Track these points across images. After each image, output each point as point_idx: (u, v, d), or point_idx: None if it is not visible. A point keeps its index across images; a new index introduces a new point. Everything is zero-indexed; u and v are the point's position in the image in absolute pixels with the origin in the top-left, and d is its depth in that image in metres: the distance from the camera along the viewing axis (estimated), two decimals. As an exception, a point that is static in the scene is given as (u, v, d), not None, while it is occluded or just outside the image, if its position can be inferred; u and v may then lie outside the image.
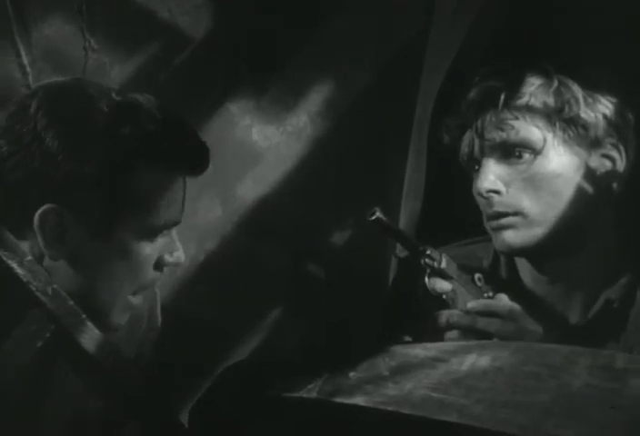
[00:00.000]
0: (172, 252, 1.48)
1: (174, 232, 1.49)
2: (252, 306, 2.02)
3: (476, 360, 1.17)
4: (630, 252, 1.75)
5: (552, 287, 1.77)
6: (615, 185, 1.73)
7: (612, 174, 1.72)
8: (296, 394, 1.19)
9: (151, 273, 1.47)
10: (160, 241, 1.46)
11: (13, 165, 1.37)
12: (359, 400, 1.15)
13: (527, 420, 1.05)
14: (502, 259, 1.84)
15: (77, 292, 1.40)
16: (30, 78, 1.82)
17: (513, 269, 1.82)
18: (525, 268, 1.81)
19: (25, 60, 1.81)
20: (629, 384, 1.05)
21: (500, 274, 1.83)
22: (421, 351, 1.22)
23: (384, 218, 1.57)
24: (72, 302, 1.31)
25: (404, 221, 2.05)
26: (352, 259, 2.08)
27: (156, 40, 1.89)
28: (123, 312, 1.47)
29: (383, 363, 1.21)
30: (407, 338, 1.82)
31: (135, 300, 1.48)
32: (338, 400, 1.18)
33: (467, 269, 1.71)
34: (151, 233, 1.44)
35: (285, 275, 2.05)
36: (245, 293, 2.01)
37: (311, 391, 1.19)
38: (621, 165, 1.72)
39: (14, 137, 1.38)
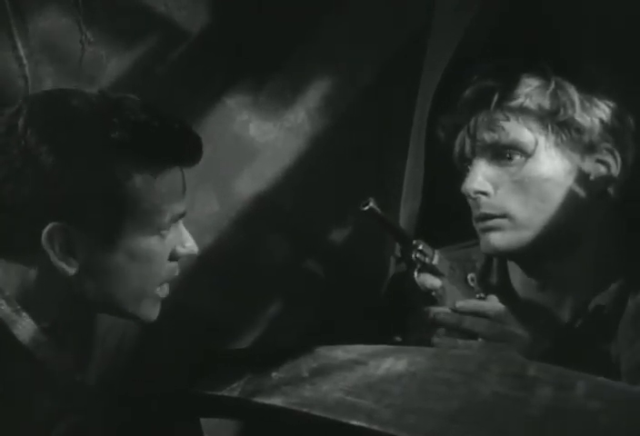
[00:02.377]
0: (183, 243, 1.49)
1: (181, 223, 1.50)
2: (249, 302, 2.02)
3: (393, 364, 1.15)
4: (622, 258, 1.72)
5: (542, 292, 1.75)
6: (610, 190, 1.70)
7: (606, 179, 1.69)
8: (219, 393, 1.19)
9: (168, 266, 1.48)
10: (169, 234, 1.47)
11: (9, 191, 1.38)
12: (277, 400, 1.15)
13: (434, 426, 1.03)
14: (494, 262, 1.82)
15: (101, 299, 1.42)
16: (27, 70, 1.83)
17: (504, 273, 1.80)
18: (515, 272, 1.79)
19: (22, 52, 1.82)
20: (537, 393, 1.03)
21: (491, 278, 1.81)
22: (342, 353, 1.21)
23: (377, 208, 1.55)
24: (8, 293, 1.32)
25: (403, 220, 2.03)
26: (350, 256, 2.06)
27: (153, 34, 1.89)
28: (153, 306, 1.49)
29: (304, 364, 1.20)
30: (398, 338, 1.81)
31: (162, 291, 1.49)
32: (258, 400, 1.17)
33: (461, 270, 1.70)
34: (159, 229, 1.45)
35: (283, 272, 2.04)
36: (243, 289, 2.00)
37: (233, 390, 1.19)
38: (616, 171, 1.69)
39: (5, 161, 1.38)
